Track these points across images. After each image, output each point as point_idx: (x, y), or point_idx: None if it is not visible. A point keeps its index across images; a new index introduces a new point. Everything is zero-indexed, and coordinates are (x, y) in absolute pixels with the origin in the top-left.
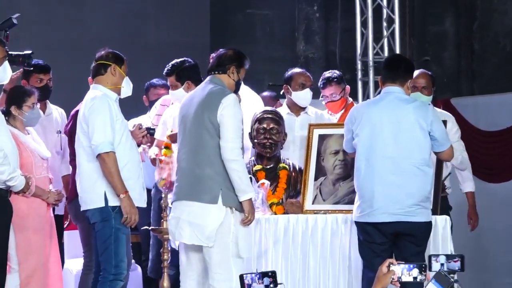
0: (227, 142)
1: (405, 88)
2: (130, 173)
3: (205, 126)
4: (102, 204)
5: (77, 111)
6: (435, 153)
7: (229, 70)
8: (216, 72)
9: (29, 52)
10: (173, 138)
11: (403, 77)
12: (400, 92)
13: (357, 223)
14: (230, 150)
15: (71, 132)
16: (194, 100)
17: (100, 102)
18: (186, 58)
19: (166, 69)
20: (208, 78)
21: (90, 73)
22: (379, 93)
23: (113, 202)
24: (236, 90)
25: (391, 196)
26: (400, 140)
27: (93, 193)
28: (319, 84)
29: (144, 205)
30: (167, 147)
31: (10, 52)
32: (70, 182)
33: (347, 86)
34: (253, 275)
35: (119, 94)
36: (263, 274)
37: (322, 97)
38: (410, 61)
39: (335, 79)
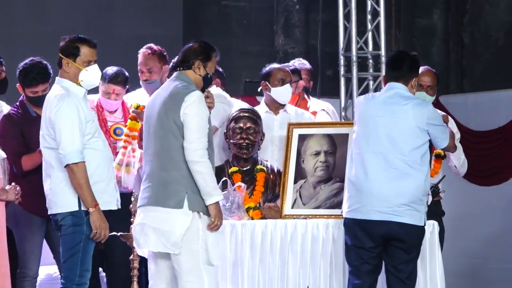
0: (190, 143)
1: (409, 87)
2: (101, 176)
3: (169, 126)
4: (75, 208)
5: (4, 115)
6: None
7: (194, 66)
8: (181, 69)
9: None
10: (139, 114)
11: (407, 76)
12: (402, 88)
13: (346, 225)
14: (193, 151)
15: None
16: (158, 99)
17: (67, 105)
18: None
19: None
20: (174, 75)
21: (52, 67)
22: (364, 90)
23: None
24: (205, 85)
25: (379, 194)
26: (394, 136)
27: (64, 196)
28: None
29: (116, 207)
30: (133, 119)
31: None
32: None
33: (301, 81)
34: None
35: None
36: None
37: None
38: (415, 59)
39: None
